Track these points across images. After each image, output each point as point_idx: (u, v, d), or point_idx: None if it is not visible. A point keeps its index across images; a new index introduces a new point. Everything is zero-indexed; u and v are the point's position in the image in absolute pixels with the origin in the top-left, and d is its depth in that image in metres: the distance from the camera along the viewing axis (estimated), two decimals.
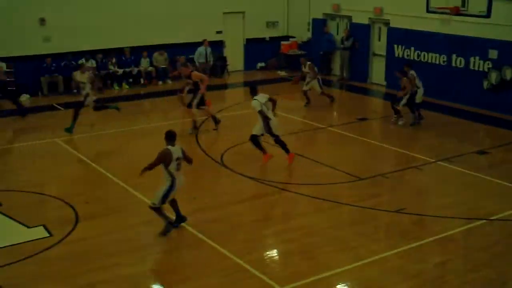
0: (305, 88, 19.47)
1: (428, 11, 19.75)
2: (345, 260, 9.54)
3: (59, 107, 19.75)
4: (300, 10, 25.71)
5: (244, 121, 17.36)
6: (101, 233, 10.45)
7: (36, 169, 13.92)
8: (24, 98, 20.75)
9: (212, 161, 14.14)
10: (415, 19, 20.52)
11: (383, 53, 22.20)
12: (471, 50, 19.03)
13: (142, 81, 22.83)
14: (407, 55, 20.97)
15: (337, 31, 24.33)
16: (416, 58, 20.71)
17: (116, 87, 22.27)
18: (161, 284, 9.16)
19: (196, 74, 16.32)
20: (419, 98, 17.01)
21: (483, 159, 14.59)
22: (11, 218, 11.02)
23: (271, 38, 26.11)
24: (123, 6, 22.50)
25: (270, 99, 13.79)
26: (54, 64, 21.38)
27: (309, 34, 25.46)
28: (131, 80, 22.64)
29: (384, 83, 22.20)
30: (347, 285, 9.02)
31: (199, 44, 23.22)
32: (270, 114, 13.60)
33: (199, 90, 16.22)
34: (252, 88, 14.08)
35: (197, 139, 15.82)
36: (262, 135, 13.83)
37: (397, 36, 21.45)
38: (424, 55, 20.50)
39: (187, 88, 17.14)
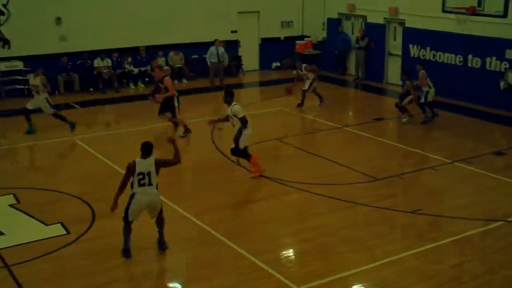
0: (305, 88, 19.07)
1: (444, 11, 19.66)
2: (360, 260, 9.53)
3: (75, 105, 19.88)
4: (315, 9, 25.69)
5: (259, 121, 17.37)
6: (118, 232, 10.45)
7: (54, 167, 14.04)
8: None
9: (227, 160, 14.16)
10: (430, 19, 20.44)
11: (399, 53, 22.13)
12: (487, 50, 18.92)
13: None
14: (423, 55, 20.89)
15: (352, 30, 24.29)
16: (432, 58, 20.63)
17: (132, 86, 22.37)
18: (178, 283, 9.21)
19: (167, 81, 15.98)
20: (430, 97, 16.99)
21: (499, 160, 14.53)
22: (29, 215, 11.14)
23: (286, 37, 26.10)
24: (139, 6, 22.58)
25: None
26: (70, 63, 21.51)
27: (324, 34, 25.45)
28: (146, 79, 22.71)
29: (400, 83, 22.11)
30: (363, 285, 9.03)
31: (214, 43, 23.26)
32: (248, 123, 12.87)
33: (176, 97, 15.97)
34: (229, 93, 13.05)
35: (213, 138, 15.85)
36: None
37: (412, 36, 21.37)
38: (440, 55, 20.41)
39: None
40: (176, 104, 16.02)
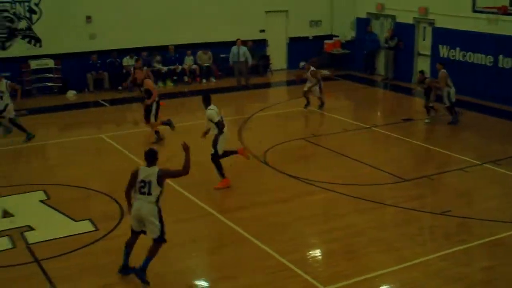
0: (305, 89, 18.68)
1: (474, 10, 19.42)
2: (388, 261, 9.48)
3: (104, 103, 20.07)
4: (344, 9, 25.59)
5: (286, 120, 17.42)
6: None
7: (83, 164, 14.17)
8: (71, 94, 21.15)
9: (255, 159, 14.18)
10: (460, 18, 20.20)
11: (428, 53, 21.92)
12: None
13: (186, 79, 23.02)
14: (452, 56, 20.67)
15: (381, 30, 24.14)
16: (461, 58, 20.40)
17: (161, 85, 22.48)
18: (204, 281, 9.24)
19: (148, 82, 15.32)
20: (453, 97, 16.82)
21: None
22: (59, 211, 11.29)
23: (314, 37, 26.04)
24: (168, 5, 22.70)
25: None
26: (99, 61, 21.71)
27: (352, 33, 25.33)
28: (175, 77, 22.85)
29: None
30: (390, 287, 8.97)
31: (242, 43, 23.28)
32: (225, 128, 12.42)
33: (155, 102, 15.20)
34: (206, 97, 12.58)
35: (240, 138, 15.87)
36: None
37: (442, 36, 21.16)
38: (470, 56, 20.17)
39: None
40: (153, 109, 15.24)
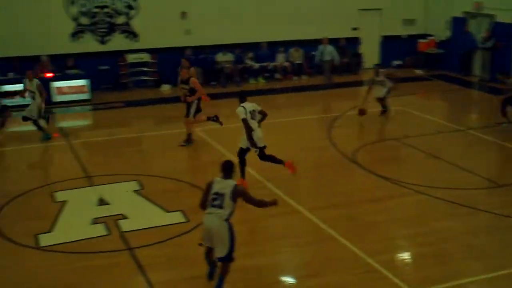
0: (380, 95, 17.32)
1: None
2: (480, 269, 9.23)
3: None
4: (439, 7, 24.98)
5: (378, 119, 17.18)
6: (235, 222, 10.60)
7: (176, 157, 14.49)
8: (165, 88, 21.68)
9: (345, 158, 14.09)
10: None
11: None
12: None
13: (277, 75, 23.13)
14: None
15: (478, 30, 23.40)
16: None
17: (252, 81, 22.71)
18: (291, 277, 9.26)
19: (194, 81, 15.15)
20: None
21: None
22: (151, 201, 11.61)
23: (408, 36, 25.57)
24: (262, 1, 22.90)
25: (260, 112, 12.58)
26: (193, 56, 22.12)
27: (448, 33, 24.69)
28: (267, 74, 23.00)
29: None
30: None
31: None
32: (254, 125, 12.26)
33: (196, 101, 15.20)
34: (241, 94, 12.67)
35: (330, 136, 15.80)
36: (248, 149, 12.43)
37: None
38: None
39: None
40: (192, 106, 15.17)
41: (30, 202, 11.76)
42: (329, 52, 22.29)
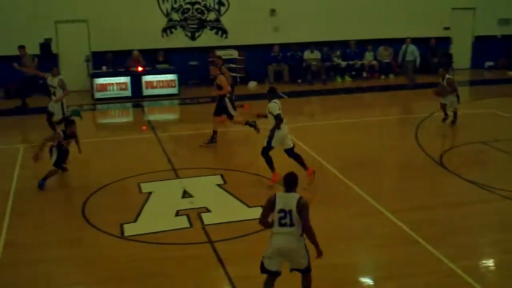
0: (443, 101, 16.62)
1: None
2: None
3: (282, 95, 20.50)
4: None
5: (466, 122, 16.76)
6: (315, 220, 10.39)
7: (257, 153, 14.59)
8: (252, 85, 21.90)
9: (431, 160, 13.82)
10: None
11: None
12: None
13: (364, 74, 22.92)
14: None
15: None
16: None
17: (339, 79, 22.61)
18: (368, 278, 9.17)
19: (221, 78, 14.85)
20: None
21: None
22: (233, 196, 11.77)
23: (503, 36, 24.73)
24: (351, 0, 22.74)
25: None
26: (280, 54, 22.25)
27: None
28: (353, 73, 22.84)
29: None
30: None
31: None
32: (282, 123, 11.97)
33: (226, 97, 14.88)
34: (272, 90, 12.32)
35: (417, 138, 15.51)
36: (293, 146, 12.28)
37: None
38: None
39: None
40: (227, 104, 14.90)
41: (117, 192, 12.16)
42: (411, 52, 21.90)
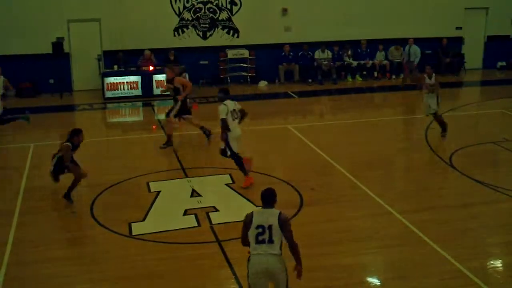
0: (426, 112, 15.53)
1: None
2: None
3: (293, 94, 20.53)
4: None
5: (477, 122, 16.71)
6: (323, 220, 10.69)
7: (267, 152, 14.63)
8: (263, 85, 21.91)
9: (440, 161, 13.77)
10: None
11: None
12: None
13: (375, 74, 22.87)
14: None
15: None
16: None
17: (350, 79, 22.57)
18: (376, 278, 9.15)
19: (178, 79, 14.79)
20: None
21: None
22: (241, 195, 11.80)
23: None
24: (361, 0, 22.69)
25: (241, 110, 12.11)
26: (291, 53, 22.23)
27: None
28: (364, 72, 22.79)
29: None
30: None
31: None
32: (232, 125, 11.83)
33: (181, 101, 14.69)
34: (223, 90, 12.22)
35: (426, 138, 15.44)
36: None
37: None
38: None
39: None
40: (177, 107, 14.71)
41: (126, 191, 12.21)
42: (413, 52, 21.88)
